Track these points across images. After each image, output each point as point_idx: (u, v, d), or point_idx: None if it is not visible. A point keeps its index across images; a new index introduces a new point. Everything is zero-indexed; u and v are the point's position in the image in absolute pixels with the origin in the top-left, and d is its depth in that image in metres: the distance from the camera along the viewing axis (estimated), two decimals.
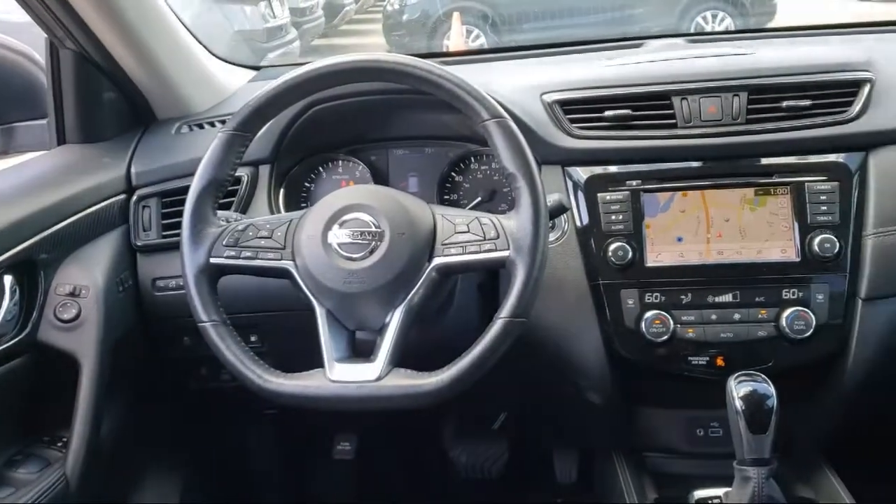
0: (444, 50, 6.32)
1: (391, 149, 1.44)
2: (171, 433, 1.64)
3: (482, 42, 6.96)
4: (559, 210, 1.15)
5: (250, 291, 1.26)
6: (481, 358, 1.01)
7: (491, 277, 1.29)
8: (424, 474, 1.93)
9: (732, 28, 6.67)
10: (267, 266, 1.08)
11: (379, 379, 1.02)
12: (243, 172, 1.34)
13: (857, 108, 1.26)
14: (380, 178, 1.44)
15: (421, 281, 1.05)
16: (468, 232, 1.06)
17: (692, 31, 6.41)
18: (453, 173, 1.42)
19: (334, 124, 1.38)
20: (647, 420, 1.42)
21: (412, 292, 1.05)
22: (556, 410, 1.59)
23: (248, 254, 1.08)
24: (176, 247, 1.11)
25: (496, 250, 1.04)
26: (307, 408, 1.07)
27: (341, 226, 1.06)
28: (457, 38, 6.49)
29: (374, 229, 1.05)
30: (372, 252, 1.04)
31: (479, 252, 1.04)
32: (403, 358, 1.05)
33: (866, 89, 1.27)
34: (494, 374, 1.12)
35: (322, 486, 1.90)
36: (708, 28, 6.83)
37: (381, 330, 1.05)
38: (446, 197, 1.42)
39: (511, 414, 1.83)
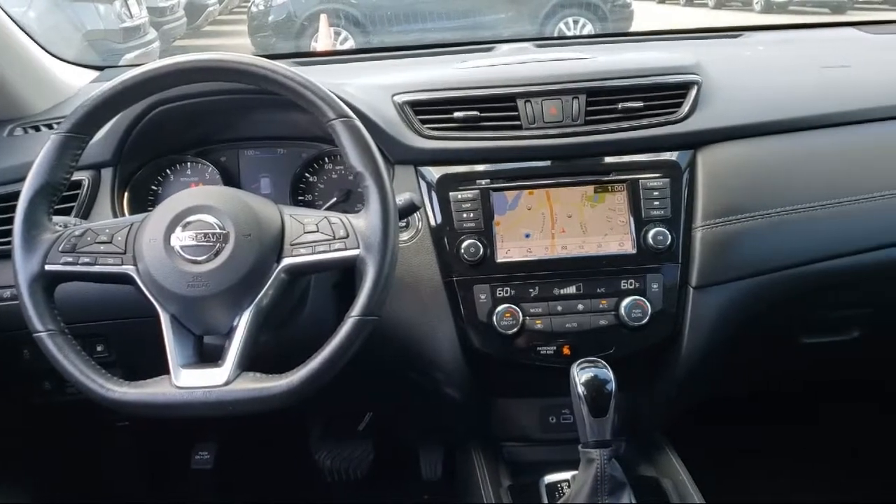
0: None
1: (242, 150, 1.42)
2: (17, 451, 1.55)
3: (351, 44, 6.94)
4: (411, 209, 1.17)
5: (93, 299, 1.21)
6: (332, 358, 1.01)
7: (346, 277, 1.30)
8: (288, 480, 1.90)
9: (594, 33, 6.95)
10: (107, 272, 1.05)
11: (227, 384, 1.00)
12: (84, 176, 1.29)
13: (685, 108, 1.35)
14: (231, 179, 1.41)
15: (269, 282, 1.04)
16: (317, 231, 1.06)
17: (555, 36, 6.64)
18: (307, 174, 1.42)
19: (181, 125, 1.35)
20: (503, 411, 1.46)
21: (260, 294, 1.04)
22: (418, 407, 1.61)
23: (87, 260, 1.04)
24: (9, 255, 1.05)
25: (346, 249, 1.04)
26: (153, 416, 1.04)
27: (184, 228, 1.03)
28: (324, 39, 6.42)
29: (218, 231, 1.03)
30: (217, 254, 1.02)
31: (329, 251, 1.05)
32: (257, 361, 1.04)
33: (694, 91, 1.36)
34: (355, 374, 1.13)
35: (180, 498, 1.84)
36: (570, 34, 7.10)
37: (229, 334, 1.04)
38: (301, 198, 1.42)
39: (376, 414, 1.84)
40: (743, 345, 1.38)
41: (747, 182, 1.33)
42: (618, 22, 7.55)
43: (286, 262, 1.05)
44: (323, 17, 6.58)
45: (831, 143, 1.39)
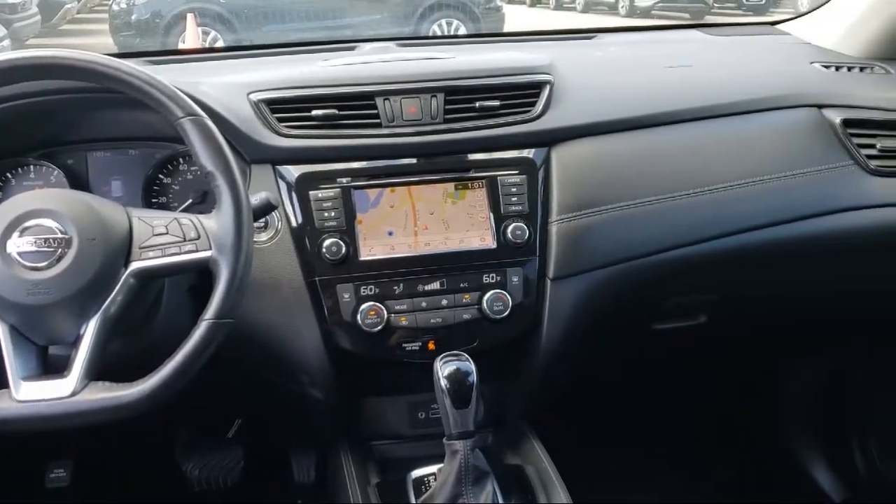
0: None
1: (91, 151, 1.35)
2: None
3: (221, 43, 6.80)
4: (267, 208, 1.15)
5: None
6: (185, 363, 0.99)
7: (203, 280, 1.26)
8: (154, 493, 1.84)
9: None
10: None
11: (73, 394, 0.96)
12: None
13: (539, 107, 1.38)
14: (78, 183, 1.34)
15: (117, 288, 1.00)
16: (167, 233, 1.03)
17: (417, 36, 6.73)
18: (161, 175, 1.37)
19: (21, 126, 1.27)
20: (372, 410, 1.47)
21: (108, 300, 1.00)
22: (287, 411, 1.59)
23: None
24: None
25: (197, 251, 1.02)
26: None
27: (22, 233, 0.98)
28: (192, 39, 6.24)
29: (59, 235, 0.98)
30: (59, 260, 0.98)
31: (180, 254, 1.02)
32: (110, 370, 1.00)
33: (547, 90, 1.40)
34: (219, 379, 1.10)
35: None
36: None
37: (76, 342, 0.99)
38: (154, 200, 1.36)
39: (245, 419, 1.81)
40: (599, 332, 1.43)
41: (598, 177, 1.38)
42: (490, 24, 7.73)
43: (134, 265, 1.01)
44: (190, 17, 6.39)
45: (676, 138, 1.46)
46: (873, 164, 1.49)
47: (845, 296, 1.66)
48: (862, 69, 1.68)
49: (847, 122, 1.51)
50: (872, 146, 1.51)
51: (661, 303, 1.51)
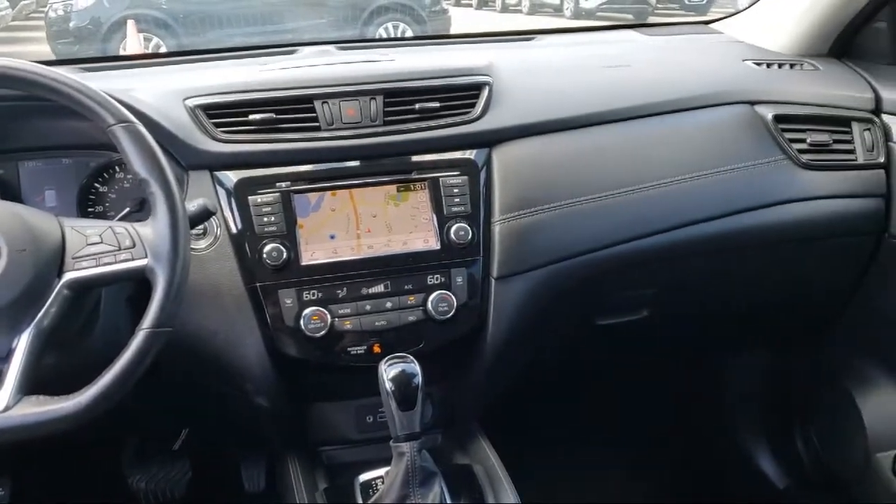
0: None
1: (22, 160, 1.32)
2: None
3: (163, 50, 6.68)
4: (204, 214, 1.14)
5: None
6: (124, 373, 0.97)
7: (141, 289, 1.24)
8: None
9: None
10: None
11: (6, 410, 0.94)
12: None
13: (479, 108, 1.39)
14: (9, 194, 1.30)
15: (51, 300, 0.98)
16: (101, 243, 1.01)
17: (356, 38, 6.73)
18: (97, 184, 1.34)
19: None
20: (320, 415, 1.46)
21: (41, 313, 0.98)
22: (234, 419, 1.57)
23: None
24: None
25: (133, 259, 1.00)
26: None
27: None
28: (133, 45, 6.13)
29: None
30: None
31: (115, 263, 1.00)
32: (46, 383, 0.98)
33: (486, 92, 1.41)
34: (162, 389, 1.08)
35: None
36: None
37: (7, 357, 0.97)
38: (91, 209, 1.34)
39: (192, 429, 1.78)
40: (544, 329, 1.45)
41: (539, 177, 1.40)
42: (436, 26, 7.76)
43: (68, 276, 1.00)
44: (130, 23, 6.28)
45: (614, 137, 1.49)
46: (804, 157, 1.54)
47: (783, 287, 1.70)
48: (792, 66, 1.73)
49: (778, 118, 1.55)
50: (803, 140, 1.55)
51: (604, 298, 1.53)
